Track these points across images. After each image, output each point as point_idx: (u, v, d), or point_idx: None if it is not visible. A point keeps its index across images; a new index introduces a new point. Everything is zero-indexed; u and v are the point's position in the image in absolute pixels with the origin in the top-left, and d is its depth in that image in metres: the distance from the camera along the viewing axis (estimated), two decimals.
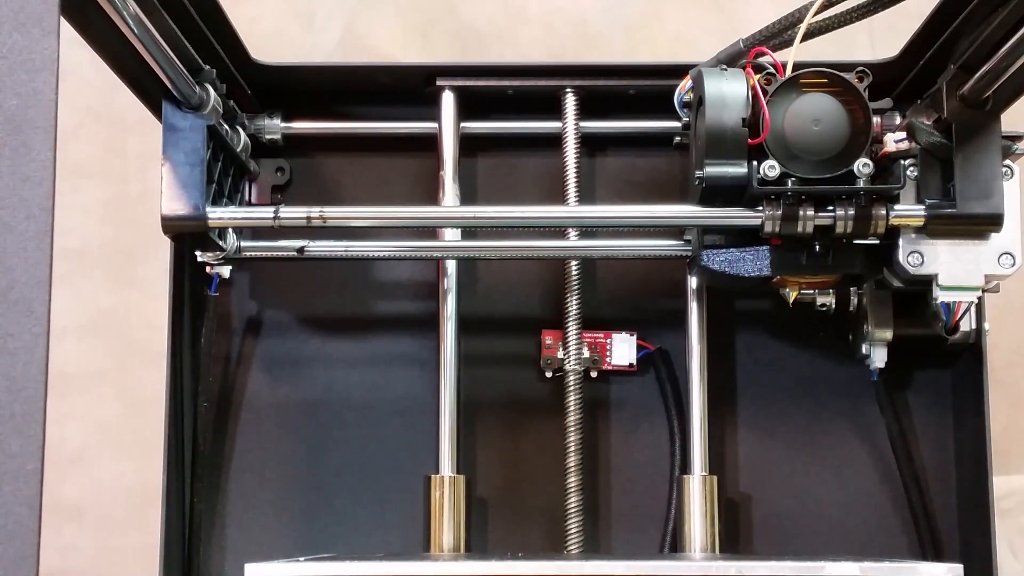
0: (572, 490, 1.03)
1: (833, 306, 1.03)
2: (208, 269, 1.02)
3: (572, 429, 1.03)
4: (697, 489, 1.01)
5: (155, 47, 0.80)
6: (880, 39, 1.21)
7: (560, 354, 1.05)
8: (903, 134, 0.90)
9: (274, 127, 1.07)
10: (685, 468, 1.04)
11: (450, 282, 1.05)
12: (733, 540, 1.06)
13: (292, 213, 0.94)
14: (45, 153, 0.62)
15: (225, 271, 1.02)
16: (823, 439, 1.07)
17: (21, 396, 0.60)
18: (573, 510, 1.03)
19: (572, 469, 1.03)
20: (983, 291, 0.93)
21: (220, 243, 0.97)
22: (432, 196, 1.07)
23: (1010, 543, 1.26)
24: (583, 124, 1.06)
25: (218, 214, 0.92)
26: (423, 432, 1.04)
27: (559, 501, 1.03)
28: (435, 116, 1.06)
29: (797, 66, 0.88)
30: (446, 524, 1.01)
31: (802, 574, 0.83)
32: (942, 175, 0.90)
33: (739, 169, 0.89)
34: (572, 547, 1.02)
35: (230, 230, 0.98)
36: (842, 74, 0.88)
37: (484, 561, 0.87)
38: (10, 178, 0.61)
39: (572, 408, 1.04)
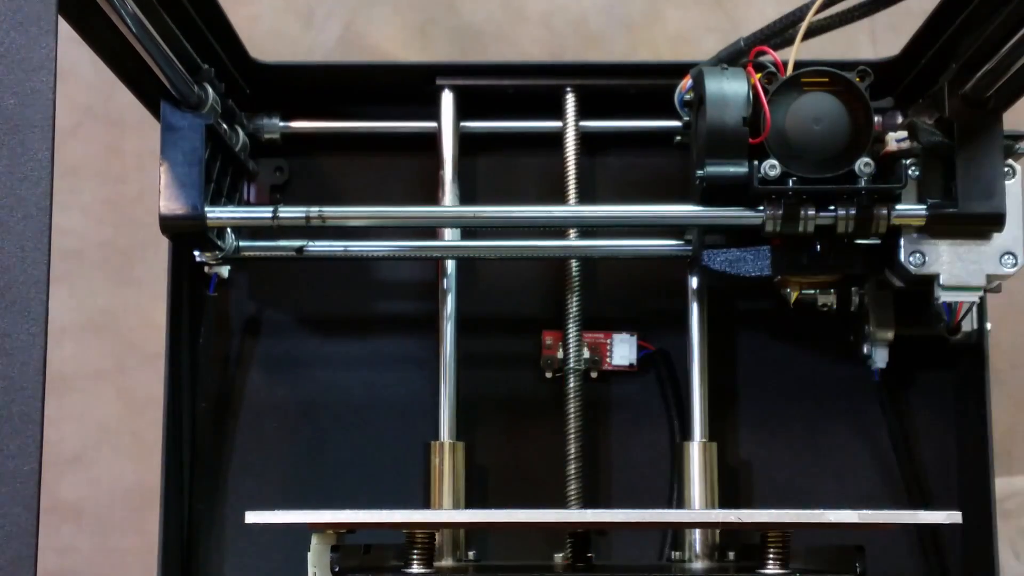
0: (572, 491, 1.03)
1: (834, 306, 1.03)
2: (207, 269, 1.01)
3: (572, 430, 1.03)
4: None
5: (153, 46, 0.79)
6: (881, 38, 1.21)
7: (560, 354, 1.05)
8: (904, 133, 0.89)
9: (273, 126, 1.07)
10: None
11: (450, 282, 1.04)
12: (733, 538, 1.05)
13: (291, 213, 0.94)
14: (43, 152, 0.62)
15: (224, 271, 1.02)
16: (824, 440, 1.07)
17: (19, 396, 0.60)
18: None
19: (572, 470, 1.03)
20: (985, 291, 0.93)
21: (219, 243, 0.96)
22: (432, 196, 1.06)
23: (1012, 544, 1.25)
24: (583, 124, 1.06)
25: (216, 214, 0.92)
26: (423, 432, 1.04)
27: (559, 502, 1.03)
28: (435, 115, 1.06)
29: (798, 65, 0.88)
30: (446, 491, 1.01)
31: (802, 520, 0.83)
32: (944, 175, 0.90)
33: (740, 168, 0.88)
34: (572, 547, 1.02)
35: (229, 230, 0.98)
36: (843, 73, 0.88)
37: (480, 510, 0.87)
38: (8, 178, 0.61)
39: (572, 409, 1.03)
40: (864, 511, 0.82)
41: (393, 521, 0.86)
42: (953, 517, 0.82)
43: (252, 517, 0.83)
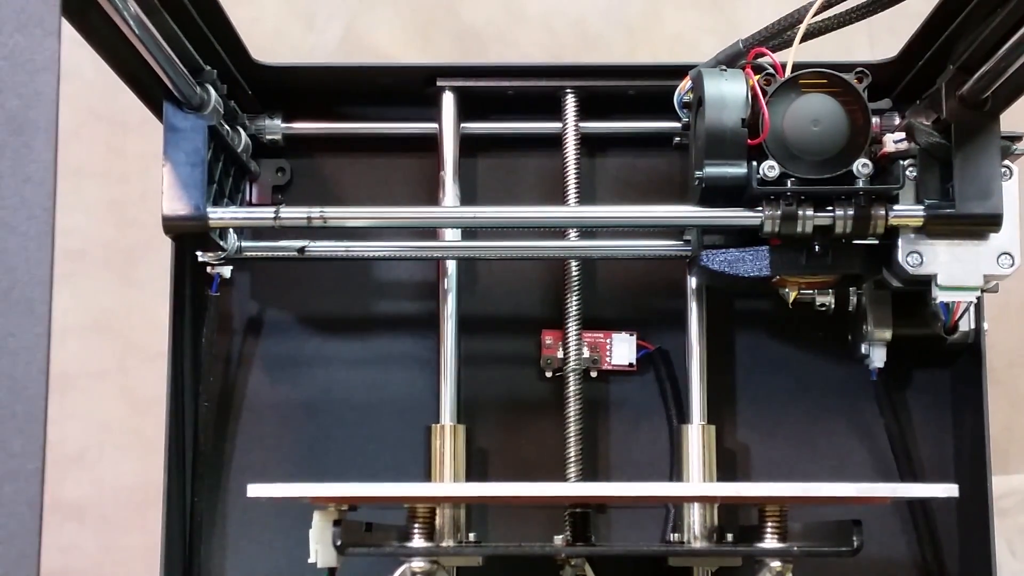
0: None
1: (832, 306, 1.03)
2: (209, 269, 1.02)
3: (572, 429, 1.03)
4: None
5: (156, 47, 0.80)
6: (879, 39, 1.21)
7: (560, 354, 1.06)
8: (902, 134, 0.90)
9: (275, 127, 1.07)
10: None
11: (450, 282, 1.05)
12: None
13: (293, 213, 0.95)
14: (46, 153, 0.62)
15: (226, 271, 1.03)
16: (822, 439, 1.08)
17: (23, 396, 0.60)
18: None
19: (572, 469, 1.03)
20: (982, 291, 0.93)
21: (221, 243, 0.97)
22: (432, 196, 1.07)
23: (1009, 542, 1.26)
24: (583, 124, 1.06)
25: (219, 214, 0.92)
26: (423, 432, 1.04)
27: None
28: (435, 116, 1.06)
29: (796, 66, 0.89)
30: (447, 473, 1.01)
31: (799, 493, 0.84)
32: (941, 175, 0.90)
33: (739, 169, 0.89)
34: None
35: (231, 230, 0.98)
36: (841, 74, 0.88)
37: (480, 483, 0.87)
38: (12, 179, 0.62)
39: (572, 408, 1.04)
40: (862, 484, 0.83)
41: (394, 495, 0.86)
42: (950, 491, 0.83)
43: (254, 491, 0.83)
